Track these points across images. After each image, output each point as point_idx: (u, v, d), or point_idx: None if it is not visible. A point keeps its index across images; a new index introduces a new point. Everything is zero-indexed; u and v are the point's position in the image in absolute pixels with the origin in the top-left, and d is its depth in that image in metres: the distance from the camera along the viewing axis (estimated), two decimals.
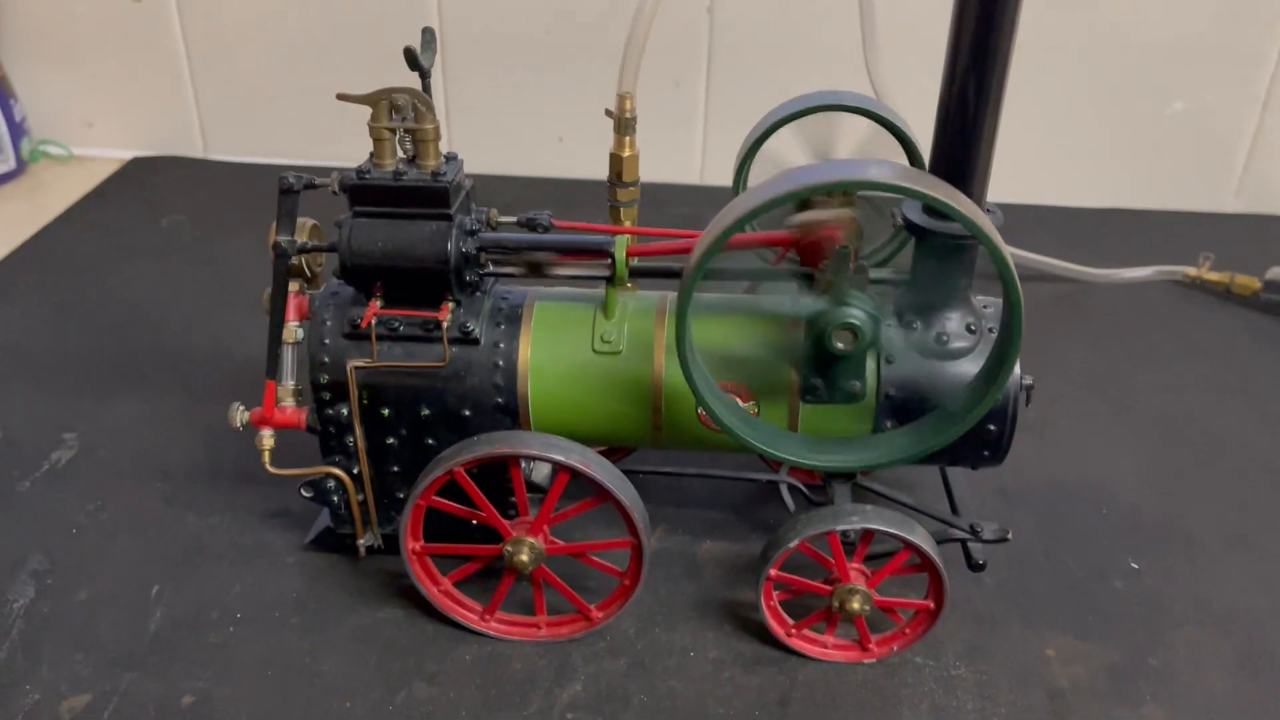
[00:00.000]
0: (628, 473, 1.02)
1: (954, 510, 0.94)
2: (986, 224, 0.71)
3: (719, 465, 1.01)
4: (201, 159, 1.78)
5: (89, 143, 1.79)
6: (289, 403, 0.89)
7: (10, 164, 1.68)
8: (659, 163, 1.49)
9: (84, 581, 0.95)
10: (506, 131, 1.71)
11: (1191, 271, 1.44)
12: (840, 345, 0.75)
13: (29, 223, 1.55)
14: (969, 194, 0.79)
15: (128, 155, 1.78)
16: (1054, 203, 1.67)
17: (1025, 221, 1.59)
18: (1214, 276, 1.42)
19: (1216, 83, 1.59)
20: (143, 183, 1.70)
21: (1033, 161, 1.65)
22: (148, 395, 1.19)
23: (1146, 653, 0.90)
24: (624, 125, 0.89)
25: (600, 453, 1.06)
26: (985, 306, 0.86)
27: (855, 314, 0.74)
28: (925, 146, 0.86)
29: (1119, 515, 1.05)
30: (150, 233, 1.54)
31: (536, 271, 0.86)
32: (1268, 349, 1.32)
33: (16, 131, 1.68)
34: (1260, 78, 1.58)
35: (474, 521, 0.86)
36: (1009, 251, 0.72)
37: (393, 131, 0.82)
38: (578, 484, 0.84)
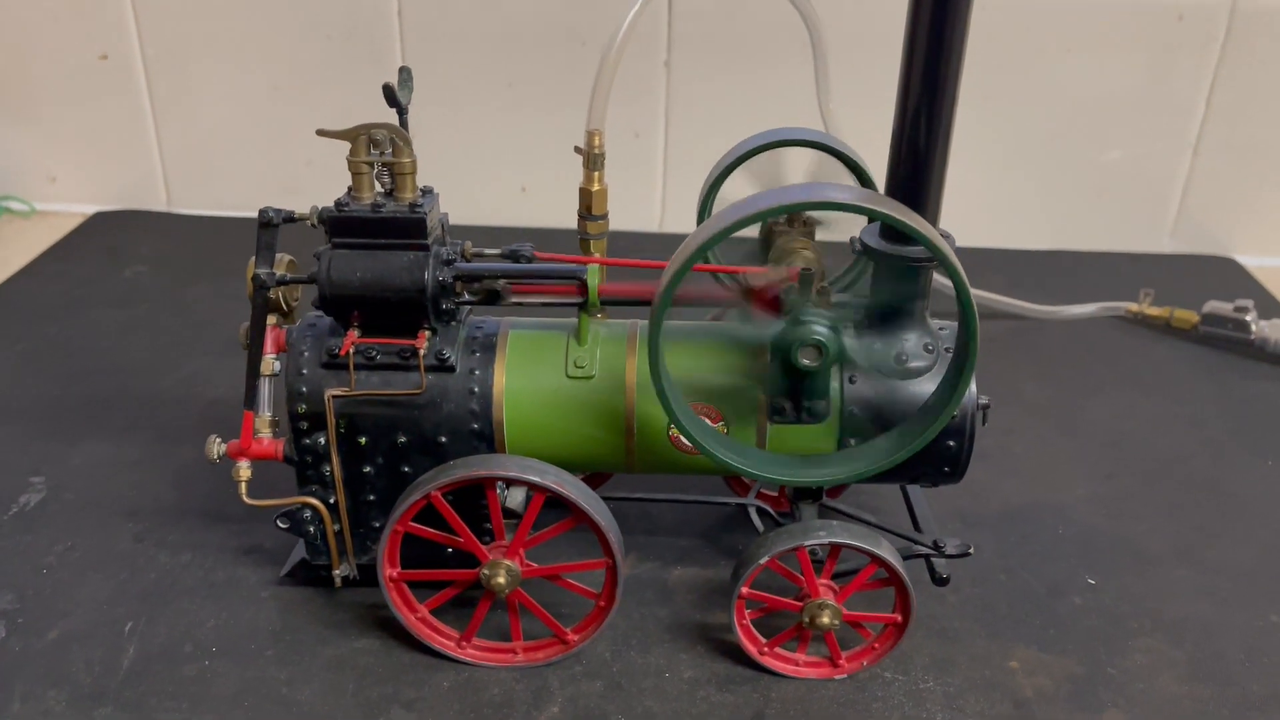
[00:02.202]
0: (615, 500, 1.04)
1: (917, 528, 0.97)
2: (944, 244, 0.75)
3: (689, 492, 1.03)
4: (165, 212, 1.79)
5: (52, 198, 1.80)
6: (266, 434, 0.90)
7: None
8: (620, 211, 1.53)
9: (55, 620, 0.95)
10: (469, 183, 1.74)
11: (1133, 307, 1.50)
12: (806, 361, 0.78)
13: None
14: (925, 218, 0.83)
15: (91, 209, 1.79)
16: (1000, 245, 1.73)
17: (974, 263, 1.64)
18: (1154, 311, 1.48)
19: (1150, 132, 1.67)
20: (106, 236, 1.70)
21: (979, 206, 1.72)
22: (115, 438, 1.19)
23: (1105, 662, 0.93)
24: (593, 160, 0.93)
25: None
26: (941, 328, 0.90)
27: (819, 330, 0.78)
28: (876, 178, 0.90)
29: (1074, 535, 1.08)
30: (113, 283, 1.54)
31: (509, 301, 0.88)
32: (1206, 377, 1.37)
33: None
34: (1190, 127, 1.66)
35: (449, 549, 0.88)
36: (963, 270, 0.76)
37: (371, 166, 0.85)
38: (553, 509, 0.86)
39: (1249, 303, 1.41)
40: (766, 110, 1.64)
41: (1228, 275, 1.68)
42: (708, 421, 0.87)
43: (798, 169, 1.00)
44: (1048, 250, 1.74)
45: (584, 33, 1.64)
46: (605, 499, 1.01)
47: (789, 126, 1.01)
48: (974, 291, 1.45)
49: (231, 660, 0.91)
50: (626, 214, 1.71)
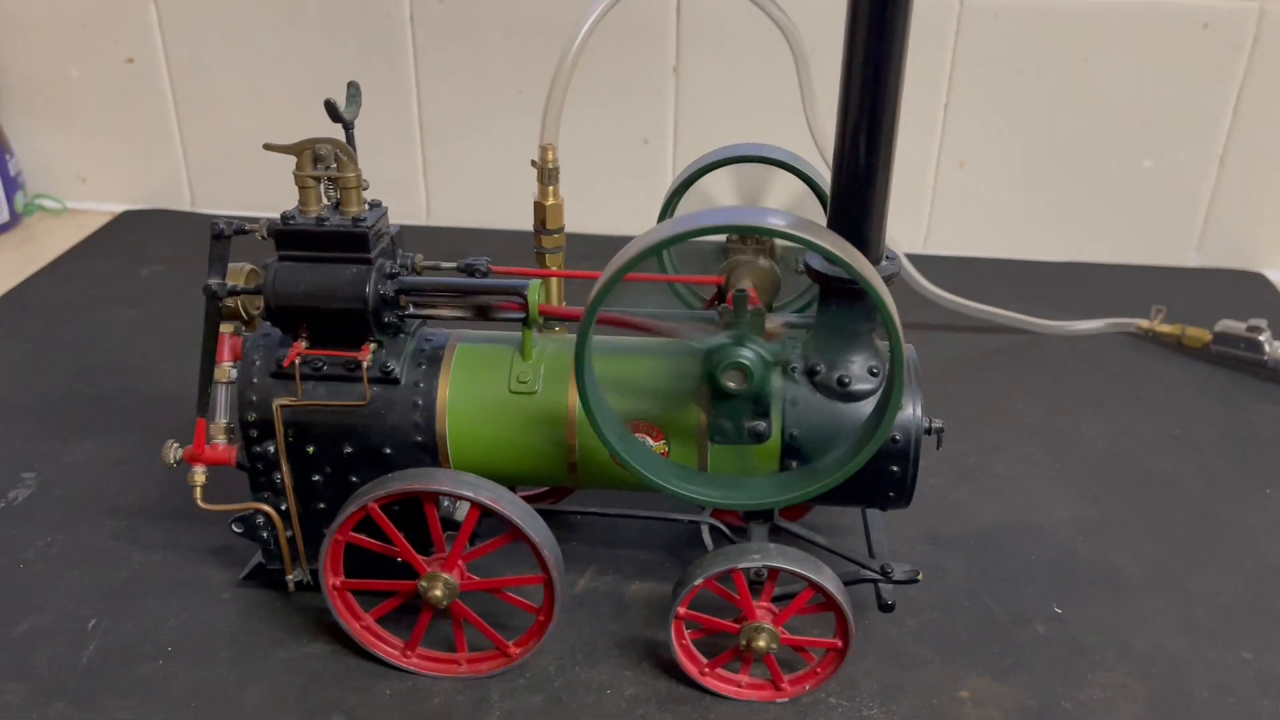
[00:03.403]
0: (563, 514, 1.05)
1: (870, 552, 0.95)
2: (869, 271, 0.74)
3: (650, 507, 1.03)
4: (189, 212, 1.84)
5: (83, 196, 1.85)
6: (220, 440, 0.92)
7: (4, 216, 1.74)
8: (631, 217, 1.53)
9: (26, 614, 0.98)
10: (486, 185, 1.76)
11: (1144, 324, 1.45)
12: (731, 384, 0.78)
13: (16, 273, 1.61)
14: (866, 242, 0.82)
15: (119, 209, 1.84)
16: (1012, 256, 1.69)
17: (982, 274, 1.62)
18: (1166, 329, 1.43)
19: (1174, 142, 1.61)
20: (130, 235, 1.75)
21: (992, 216, 1.68)
22: (110, 437, 1.23)
23: (1061, 695, 0.91)
24: (547, 175, 0.93)
25: (540, 494, 1.09)
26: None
27: (745, 354, 0.77)
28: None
29: (1048, 560, 1.06)
30: (130, 282, 1.59)
31: (483, 315, 0.89)
32: (1213, 399, 1.33)
33: (10, 185, 1.75)
34: (1217, 137, 1.60)
35: (397, 559, 0.89)
36: (891, 299, 0.74)
37: (317, 180, 0.86)
38: (495, 521, 0.86)
39: (1263, 322, 1.36)
40: (777, 116, 1.62)
41: (1255, 291, 1.62)
42: (649, 440, 0.86)
43: (782, 187, 0.99)
44: (1062, 262, 1.69)
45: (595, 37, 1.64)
46: (561, 513, 1.01)
47: (771, 144, 1.00)
48: (967, 303, 1.43)
49: (186, 660, 0.93)
50: (636, 220, 1.70)
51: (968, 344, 1.45)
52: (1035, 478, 1.18)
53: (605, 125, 1.68)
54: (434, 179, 1.77)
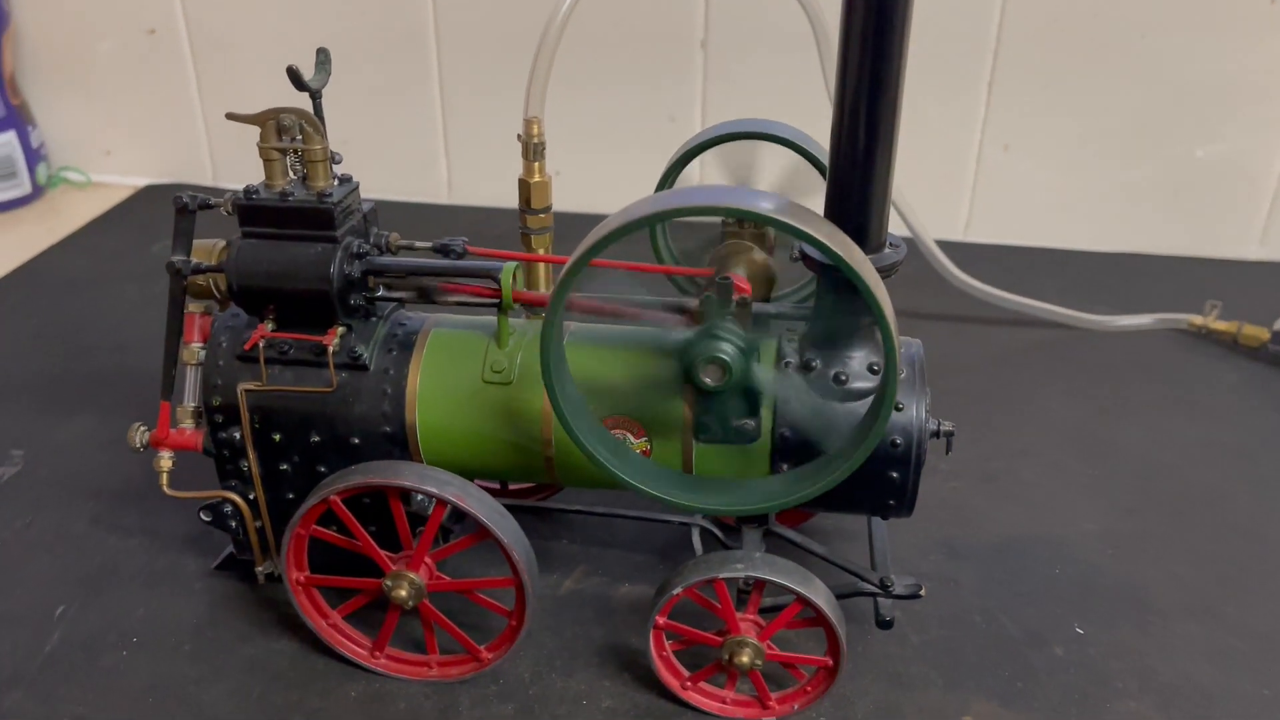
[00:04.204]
0: (550, 511, 0.99)
1: (872, 563, 0.88)
2: (858, 259, 0.67)
3: (639, 506, 0.97)
4: (210, 186, 1.81)
5: (108, 170, 1.84)
6: (188, 424, 0.88)
7: (26, 189, 1.73)
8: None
9: None
10: (509, 162, 1.70)
11: (1197, 320, 1.35)
12: (708, 380, 0.71)
13: (32, 246, 1.60)
14: (864, 229, 0.75)
15: (142, 182, 1.82)
16: (1060, 245, 1.60)
17: (1026, 264, 1.53)
18: (1221, 326, 1.33)
19: (1238, 125, 1.50)
20: (146, 209, 1.73)
21: (1041, 203, 1.59)
22: (101, 416, 1.20)
23: None
24: (532, 150, 0.87)
25: (527, 490, 1.04)
26: (900, 347, 0.81)
27: (725, 349, 0.70)
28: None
29: (1072, 576, 0.98)
30: (139, 258, 1.56)
31: (427, 297, 0.83)
32: (1270, 405, 1.23)
33: (33, 157, 1.73)
34: None
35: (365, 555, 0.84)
36: (884, 290, 0.67)
37: (283, 152, 0.81)
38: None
39: None
40: (806, 93, 1.55)
41: None
42: (629, 436, 0.80)
43: (773, 164, 0.92)
44: (1111, 253, 1.59)
45: (614, 13, 1.58)
46: (546, 510, 0.96)
47: (770, 120, 0.93)
48: (1009, 296, 1.35)
49: (149, 653, 0.90)
50: None
51: (1003, 338, 1.36)
52: (1065, 485, 1.09)
53: (630, 102, 1.61)
54: (455, 156, 1.72)
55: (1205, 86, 1.48)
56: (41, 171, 1.76)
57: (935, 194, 1.60)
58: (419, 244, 0.87)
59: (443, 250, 0.86)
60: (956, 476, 1.09)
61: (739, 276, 0.74)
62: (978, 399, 1.23)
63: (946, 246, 1.35)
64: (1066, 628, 0.92)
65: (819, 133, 0.92)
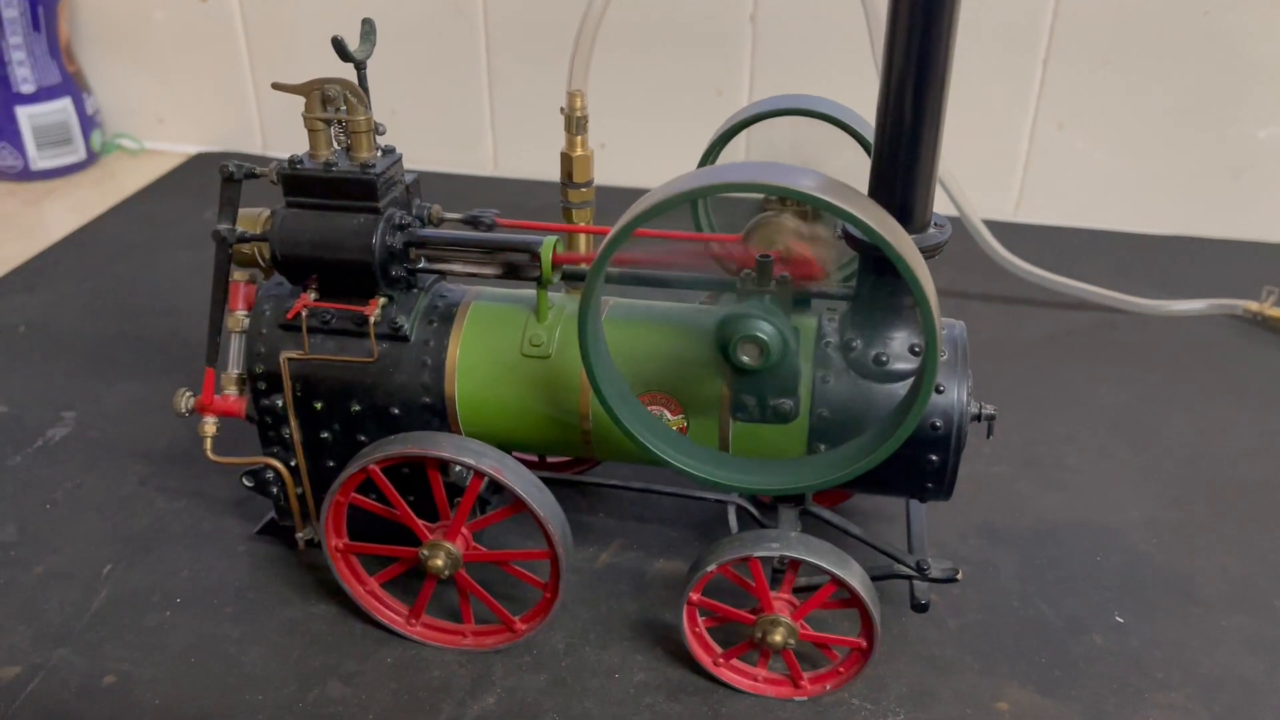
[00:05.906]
0: (587, 485, 0.99)
1: (909, 546, 0.88)
2: (899, 237, 0.66)
3: (676, 483, 0.97)
4: (260, 155, 1.83)
5: (160, 137, 1.86)
6: (232, 391, 0.89)
7: (80, 155, 1.75)
8: None
9: (45, 555, 0.97)
10: (554, 135, 1.70)
11: (1252, 306, 1.32)
12: (745, 359, 0.71)
13: (87, 211, 1.62)
14: (909, 209, 0.74)
15: (194, 150, 1.84)
16: (1113, 227, 1.56)
17: (1076, 246, 1.50)
18: (1276, 313, 1.30)
19: None
20: (198, 177, 1.75)
21: (1095, 184, 1.55)
22: (151, 379, 1.22)
23: (1113, 715, 0.82)
24: (574, 124, 0.86)
25: (564, 463, 1.04)
26: (941, 329, 0.80)
27: (764, 327, 0.70)
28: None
29: (1114, 564, 0.96)
30: (191, 225, 1.58)
31: (466, 270, 0.83)
32: None
33: (88, 124, 1.76)
34: None
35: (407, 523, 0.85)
36: (926, 271, 0.66)
37: (327, 123, 0.81)
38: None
39: None
40: (857, 67, 1.53)
41: None
42: (665, 412, 0.80)
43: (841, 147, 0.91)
44: (1167, 235, 1.55)
45: None
46: (584, 484, 0.96)
47: (820, 97, 0.92)
48: (1058, 278, 1.32)
49: (192, 613, 0.91)
50: None
51: (1051, 321, 1.34)
52: (1111, 472, 1.08)
53: (677, 75, 1.60)
54: (501, 128, 1.72)
55: (1269, 66, 1.44)
56: (96, 138, 1.79)
57: (986, 173, 1.57)
58: (449, 215, 0.87)
59: (472, 222, 0.86)
60: (999, 460, 1.08)
61: (777, 253, 0.74)
62: (1023, 383, 1.21)
63: (996, 226, 1.33)
64: (1107, 616, 0.91)
65: (868, 110, 0.91)
